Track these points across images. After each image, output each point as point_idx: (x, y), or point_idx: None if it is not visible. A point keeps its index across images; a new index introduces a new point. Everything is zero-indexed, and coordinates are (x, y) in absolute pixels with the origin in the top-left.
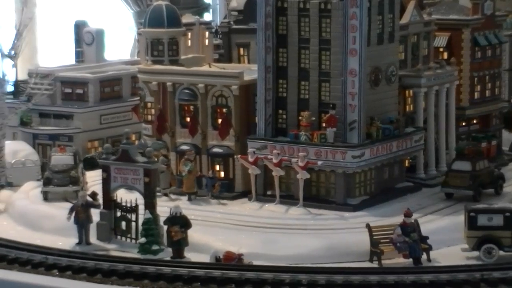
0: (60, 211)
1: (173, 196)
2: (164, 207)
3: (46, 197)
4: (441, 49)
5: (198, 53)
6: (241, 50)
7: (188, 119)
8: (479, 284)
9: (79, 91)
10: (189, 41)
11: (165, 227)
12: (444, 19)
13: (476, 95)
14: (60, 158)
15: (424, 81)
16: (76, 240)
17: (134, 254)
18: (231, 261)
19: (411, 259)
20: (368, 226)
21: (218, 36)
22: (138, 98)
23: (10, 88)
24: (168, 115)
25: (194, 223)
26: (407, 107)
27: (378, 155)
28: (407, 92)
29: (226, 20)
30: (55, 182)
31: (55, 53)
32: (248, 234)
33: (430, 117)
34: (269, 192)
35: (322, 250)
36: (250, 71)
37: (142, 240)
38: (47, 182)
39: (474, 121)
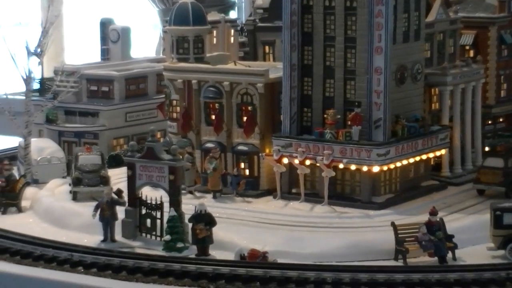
0: (86, 208)
1: (198, 194)
2: (189, 205)
3: (76, 197)
4: (467, 47)
5: (223, 51)
6: (267, 48)
7: (213, 117)
8: (505, 283)
9: (105, 88)
10: (215, 39)
11: (190, 225)
12: (470, 17)
13: (503, 93)
14: (88, 158)
15: (450, 79)
16: (101, 238)
17: (159, 251)
18: (255, 259)
19: (436, 258)
20: (393, 224)
21: (244, 34)
22: (163, 95)
23: (36, 85)
24: (193, 112)
25: (219, 221)
26: (433, 105)
27: (403, 153)
28: (432, 90)
29: (252, 18)
30: (86, 182)
31: (81, 50)
32: (273, 232)
33: (456, 116)
34: (294, 190)
35: (347, 248)
36: (275, 69)
37: (167, 237)
38: (77, 182)
39: (500, 120)
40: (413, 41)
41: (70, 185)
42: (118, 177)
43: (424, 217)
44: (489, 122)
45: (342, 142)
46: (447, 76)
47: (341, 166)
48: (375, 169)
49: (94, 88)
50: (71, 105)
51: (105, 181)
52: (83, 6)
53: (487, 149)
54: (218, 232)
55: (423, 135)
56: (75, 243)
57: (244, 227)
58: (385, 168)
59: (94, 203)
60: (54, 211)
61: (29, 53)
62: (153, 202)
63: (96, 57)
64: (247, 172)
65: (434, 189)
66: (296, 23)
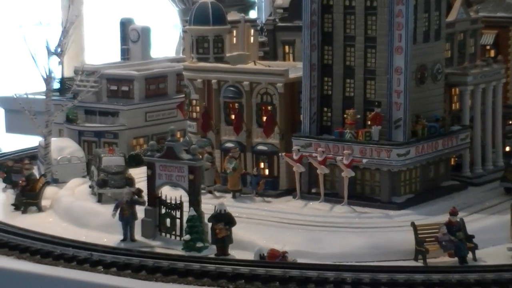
0: (105, 208)
1: (217, 194)
2: (208, 205)
3: (101, 199)
4: (488, 47)
5: (243, 51)
6: (286, 47)
7: (233, 117)
8: None
9: (125, 88)
10: (234, 39)
11: (210, 225)
12: (491, 16)
13: None
14: (112, 159)
15: (470, 79)
16: (121, 237)
17: (178, 251)
18: (275, 258)
19: (456, 258)
20: (413, 224)
21: (263, 33)
22: (183, 95)
23: (56, 85)
24: (213, 112)
25: (239, 221)
26: (453, 105)
27: (423, 153)
28: (453, 90)
29: (272, 17)
30: (112, 184)
31: (101, 50)
32: (293, 232)
33: (477, 116)
34: (313, 190)
35: (367, 248)
36: (295, 69)
37: (187, 237)
38: (103, 184)
39: None
40: (433, 41)
41: (90, 187)
42: (138, 176)
43: (445, 217)
44: (510, 122)
45: (362, 142)
46: (468, 76)
47: (361, 166)
48: (395, 169)
49: (114, 87)
50: (91, 104)
51: (131, 182)
52: (103, 6)
53: (508, 149)
54: (237, 231)
55: (444, 135)
56: (95, 242)
57: (263, 227)
58: (405, 168)
59: (113, 202)
60: (74, 211)
61: (50, 53)
62: (173, 202)
63: (116, 57)
64: (266, 172)
65: (455, 189)
66: (316, 23)
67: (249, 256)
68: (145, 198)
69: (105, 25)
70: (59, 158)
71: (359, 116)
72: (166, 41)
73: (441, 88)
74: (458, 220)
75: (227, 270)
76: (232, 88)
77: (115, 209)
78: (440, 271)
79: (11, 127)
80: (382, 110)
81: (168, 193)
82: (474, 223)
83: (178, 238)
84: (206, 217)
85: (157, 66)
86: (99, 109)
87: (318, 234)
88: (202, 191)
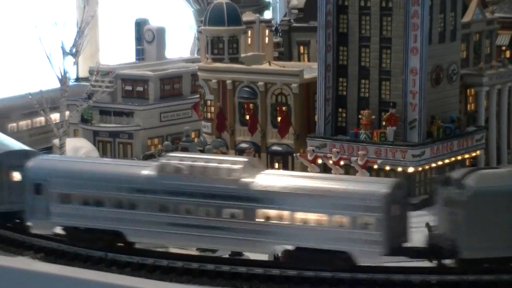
0: None
1: None
2: None
3: None
4: (503, 48)
5: (258, 51)
6: (302, 48)
7: (247, 117)
8: None
9: (140, 88)
10: (249, 39)
11: None
12: (507, 17)
13: None
14: None
15: (486, 80)
16: None
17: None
18: None
19: None
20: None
21: (279, 34)
22: (198, 96)
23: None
24: (228, 113)
25: None
26: (469, 106)
27: (438, 154)
28: (468, 90)
29: (287, 18)
30: None
31: (116, 51)
32: None
33: (492, 116)
34: None
35: None
36: (310, 70)
37: None
38: None
39: None
40: (449, 42)
41: None
42: None
43: None
44: None
45: (377, 142)
46: (483, 77)
47: (375, 166)
48: (410, 170)
49: (129, 88)
50: (106, 105)
51: None
52: (118, 7)
53: None
54: None
55: (459, 136)
56: None
57: None
58: (420, 169)
59: None
60: None
61: (65, 53)
62: None
63: (131, 57)
64: None
65: None
66: (331, 24)
67: (264, 256)
68: None
69: (120, 25)
70: None
71: (374, 117)
72: (181, 42)
73: (457, 89)
74: None
75: (241, 270)
76: (247, 89)
77: None
78: (455, 272)
79: None
80: (397, 110)
81: None
82: None
83: None
84: None
85: (172, 66)
86: (114, 109)
87: None
88: None
